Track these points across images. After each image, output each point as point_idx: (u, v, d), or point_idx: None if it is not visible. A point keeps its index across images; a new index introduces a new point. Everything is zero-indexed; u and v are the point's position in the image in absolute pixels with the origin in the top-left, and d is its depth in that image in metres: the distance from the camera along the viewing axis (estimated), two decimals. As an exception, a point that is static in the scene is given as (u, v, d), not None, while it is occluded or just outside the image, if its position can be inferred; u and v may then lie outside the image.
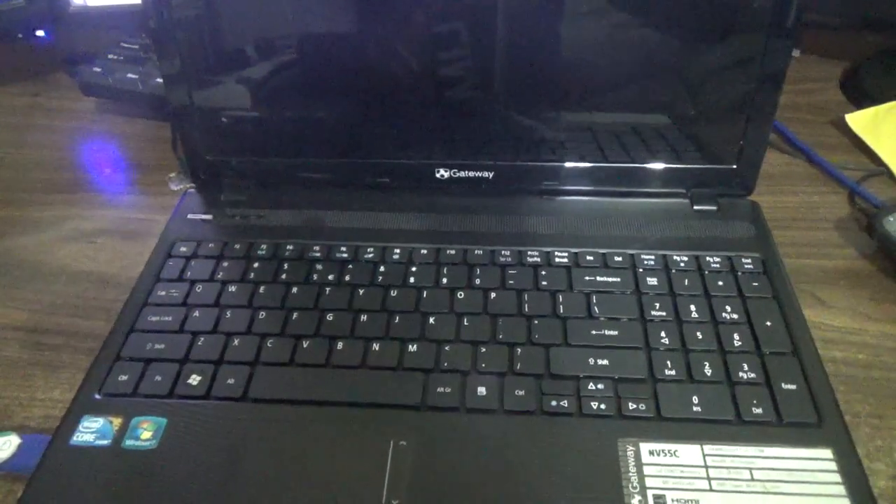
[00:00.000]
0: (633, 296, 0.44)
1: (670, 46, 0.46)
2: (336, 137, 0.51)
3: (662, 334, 0.41)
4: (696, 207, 0.50)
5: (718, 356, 0.40)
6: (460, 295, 0.44)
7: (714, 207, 0.50)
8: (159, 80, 0.60)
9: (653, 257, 0.46)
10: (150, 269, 0.47)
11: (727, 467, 0.35)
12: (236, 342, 0.42)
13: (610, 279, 0.45)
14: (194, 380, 0.40)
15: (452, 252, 0.47)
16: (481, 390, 0.39)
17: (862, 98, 0.63)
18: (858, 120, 0.59)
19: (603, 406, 0.38)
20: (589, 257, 0.46)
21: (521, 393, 0.39)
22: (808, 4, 0.43)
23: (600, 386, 0.39)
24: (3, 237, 0.53)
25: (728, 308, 0.42)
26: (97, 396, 0.40)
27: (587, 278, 0.45)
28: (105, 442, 0.37)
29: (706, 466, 0.35)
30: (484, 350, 0.41)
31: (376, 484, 0.35)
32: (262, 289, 0.45)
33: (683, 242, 0.47)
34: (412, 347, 0.41)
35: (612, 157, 0.50)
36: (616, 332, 0.41)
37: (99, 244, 0.53)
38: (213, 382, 0.40)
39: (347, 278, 0.45)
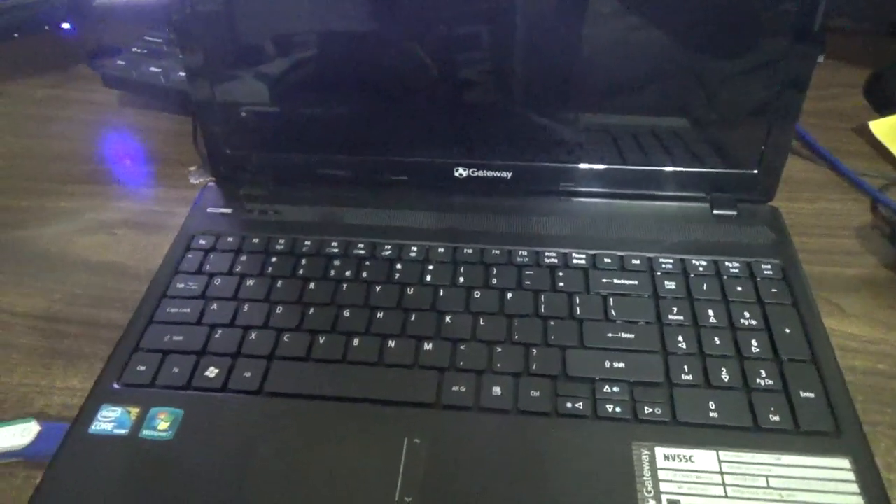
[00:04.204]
0: (650, 299, 0.43)
1: (692, 49, 0.46)
2: (355, 135, 0.51)
3: (679, 338, 0.41)
4: (715, 212, 0.49)
5: (736, 362, 0.40)
6: (477, 294, 0.44)
7: (734, 212, 0.49)
8: (181, 74, 0.61)
9: (671, 261, 0.46)
10: (169, 261, 0.47)
11: (743, 474, 0.35)
12: (253, 336, 0.42)
13: (627, 282, 0.44)
14: (211, 372, 0.40)
15: (469, 251, 0.47)
16: (496, 390, 0.39)
17: (885, 105, 0.62)
18: (882, 127, 0.59)
19: (618, 409, 0.38)
20: (606, 259, 0.46)
21: (536, 394, 0.38)
22: (833, 10, 0.43)
23: (616, 389, 0.39)
24: (24, 227, 0.54)
25: (746, 314, 0.42)
26: (116, 386, 0.40)
27: (604, 280, 0.45)
28: (122, 431, 0.38)
29: (722, 473, 0.35)
30: (499, 350, 0.41)
31: (390, 481, 0.35)
32: (279, 283, 0.45)
33: (702, 247, 0.47)
34: (428, 346, 0.41)
35: (631, 159, 0.50)
36: (633, 336, 0.41)
37: (119, 236, 0.53)
38: (229, 375, 0.40)
39: (364, 275, 0.46)
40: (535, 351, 0.41)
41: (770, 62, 0.45)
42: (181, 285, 0.45)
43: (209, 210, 0.52)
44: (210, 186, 0.54)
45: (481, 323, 0.42)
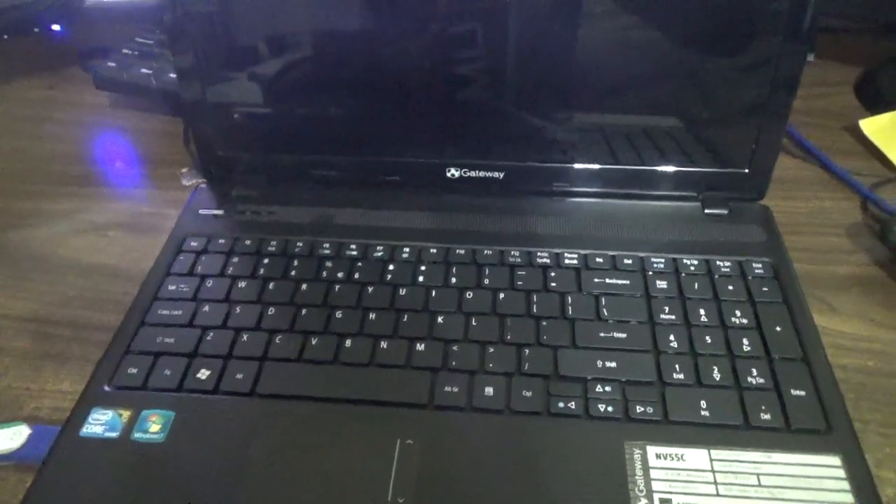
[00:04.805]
0: (642, 298, 0.44)
1: (684, 49, 0.46)
2: (347, 135, 0.51)
3: (671, 338, 0.41)
4: (706, 211, 0.50)
5: (727, 361, 0.40)
6: (469, 295, 0.44)
7: (725, 211, 0.49)
8: (172, 75, 0.61)
9: (663, 260, 0.46)
10: (160, 263, 0.47)
11: (734, 472, 0.35)
12: (245, 337, 0.42)
13: (619, 281, 0.45)
14: (203, 374, 0.40)
15: (462, 252, 0.47)
16: (488, 390, 0.39)
17: (876, 103, 0.62)
18: (872, 125, 0.59)
19: (610, 408, 0.38)
20: (598, 259, 0.46)
21: (529, 394, 0.39)
22: (823, 9, 0.43)
23: (608, 388, 0.39)
24: (16, 229, 0.54)
25: (738, 312, 0.42)
26: (107, 389, 0.40)
27: (596, 280, 0.45)
28: (114, 434, 0.38)
29: (713, 471, 0.35)
30: (492, 350, 0.41)
31: (382, 481, 0.35)
32: (271, 285, 0.45)
33: (694, 246, 0.47)
34: (420, 346, 0.41)
35: (623, 159, 0.50)
36: (624, 335, 0.41)
37: (111, 237, 0.53)
38: (221, 377, 0.40)
39: (357, 276, 0.46)
40: (527, 351, 0.41)
41: (761, 61, 0.45)
42: (173, 287, 0.45)
43: (201, 211, 0.51)
44: (202, 188, 0.54)
45: (473, 323, 0.42)
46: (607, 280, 0.45)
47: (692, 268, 0.45)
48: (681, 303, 0.43)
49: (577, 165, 0.50)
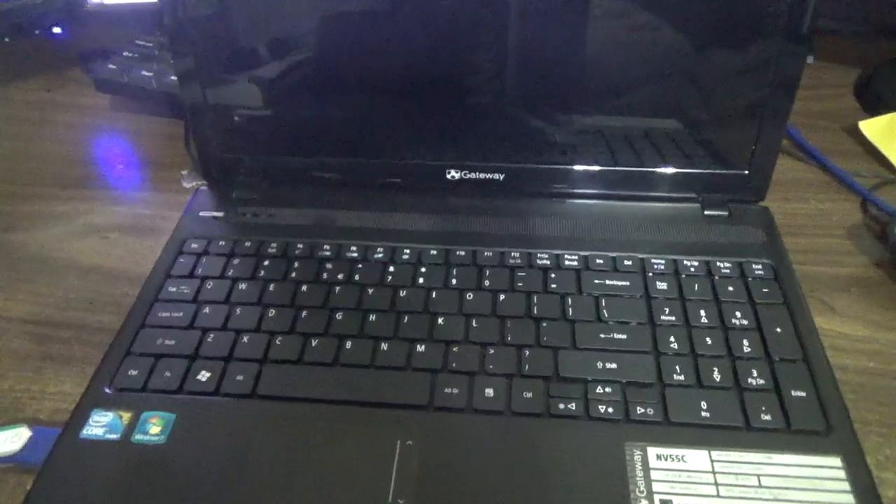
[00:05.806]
0: (642, 300, 0.44)
1: (684, 51, 0.46)
2: (348, 137, 0.51)
3: (671, 339, 0.41)
4: (706, 212, 0.50)
5: (728, 362, 0.40)
6: (469, 296, 0.44)
7: (725, 213, 0.49)
8: (173, 77, 0.61)
9: (663, 261, 0.46)
10: (161, 265, 0.47)
11: (735, 473, 0.35)
12: (245, 339, 0.42)
13: (619, 283, 0.45)
14: (203, 376, 0.40)
15: (462, 253, 0.47)
16: (489, 391, 0.39)
17: (876, 105, 0.63)
18: (872, 127, 0.59)
19: (611, 409, 0.38)
20: (598, 260, 0.46)
21: (529, 395, 0.39)
22: (822, 11, 0.43)
23: (608, 389, 0.39)
24: (16, 231, 0.54)
25: (738, 314, 0.42)
26: (107, 391, 0.40)
27: (596, 281, 0.45)
28: (114, 436, 0.38)
29: (714, 472, 0.35)
30: (492, 351, 0.41)
31: (383, 483, 0.35)
32: (271, 287, 0.45)
33: (694, 247, 0.47)
34: (420, 348, 0.41)
35: (624, 160, 0.50)
36: (625, 336, 0.41)
37: (111, 240, 0.53)
38: (222, 379, 0.40)
39: (357, 278, 0.46)
40: (527, 352, 0.41)
41: (760, 63, 0.45)
42: (173, 289, 0.45)
43: (201, 214, 0.51)
44: (202, 190, 0.54)
45: (474, 324, 0.42)
46: (607, 281, 0.45)
47: (692, 269, 0.45)
48: (681, 304, 0.43)
49: (577, 167, 0.50)
